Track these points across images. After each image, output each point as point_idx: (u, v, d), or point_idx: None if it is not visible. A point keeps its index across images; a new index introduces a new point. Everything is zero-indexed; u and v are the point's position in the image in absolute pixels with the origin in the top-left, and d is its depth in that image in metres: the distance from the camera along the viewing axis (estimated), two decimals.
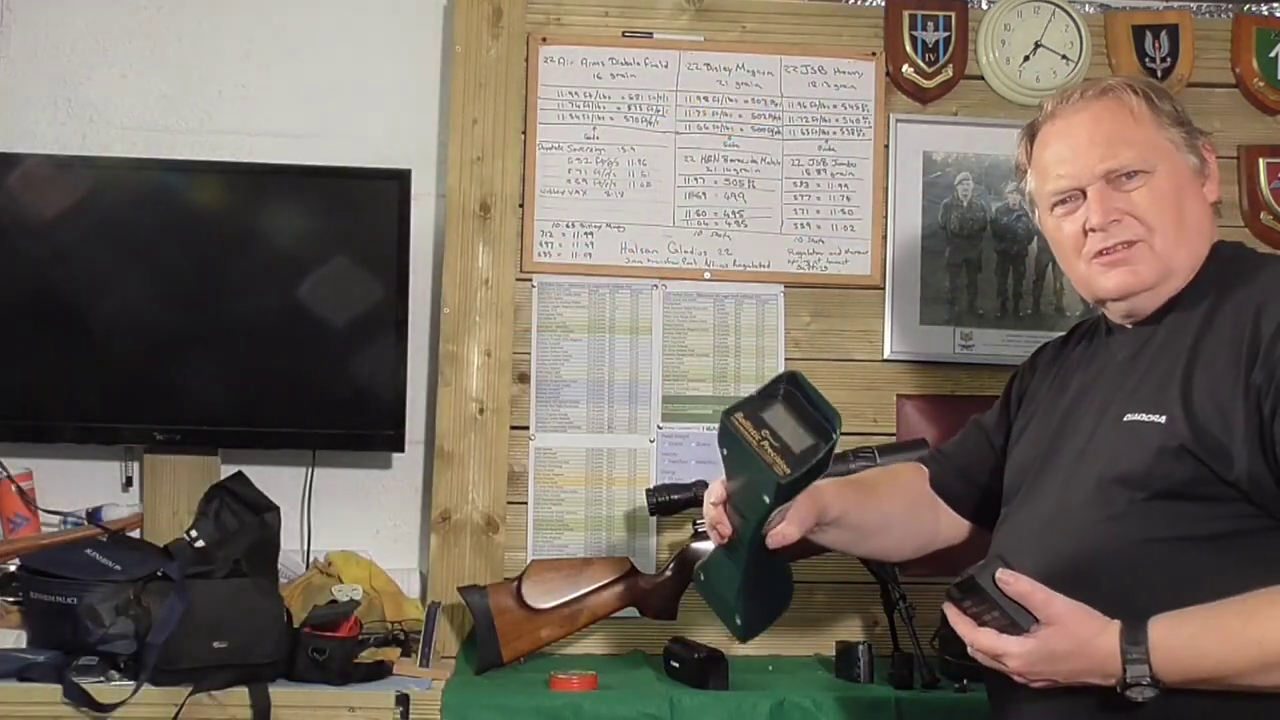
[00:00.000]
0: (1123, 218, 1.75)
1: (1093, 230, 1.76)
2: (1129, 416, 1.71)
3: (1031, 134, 1.87)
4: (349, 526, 2.81)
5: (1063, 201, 1.80)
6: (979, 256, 2.85)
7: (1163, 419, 1.66)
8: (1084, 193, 1.77)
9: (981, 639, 1.63)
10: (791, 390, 1.69)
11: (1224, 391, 1.63)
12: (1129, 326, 1.82)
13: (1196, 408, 1.64)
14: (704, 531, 2.51)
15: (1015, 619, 1.60)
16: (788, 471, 1.62)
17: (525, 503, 2.74)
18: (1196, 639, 1.55)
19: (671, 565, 2.54)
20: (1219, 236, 1.82)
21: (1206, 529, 1.63)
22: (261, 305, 2.69)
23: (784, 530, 1.70)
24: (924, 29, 2.85)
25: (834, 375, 2.80)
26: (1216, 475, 1.62)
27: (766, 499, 1.66)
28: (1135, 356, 1.78)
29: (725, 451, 1.71)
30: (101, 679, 2.24)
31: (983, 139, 2.85)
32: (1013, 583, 1.59)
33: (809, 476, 1.66)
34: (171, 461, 2.69)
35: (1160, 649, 1.55)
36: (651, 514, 2.55)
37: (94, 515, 2.71)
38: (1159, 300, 1.77)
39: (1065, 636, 1.58)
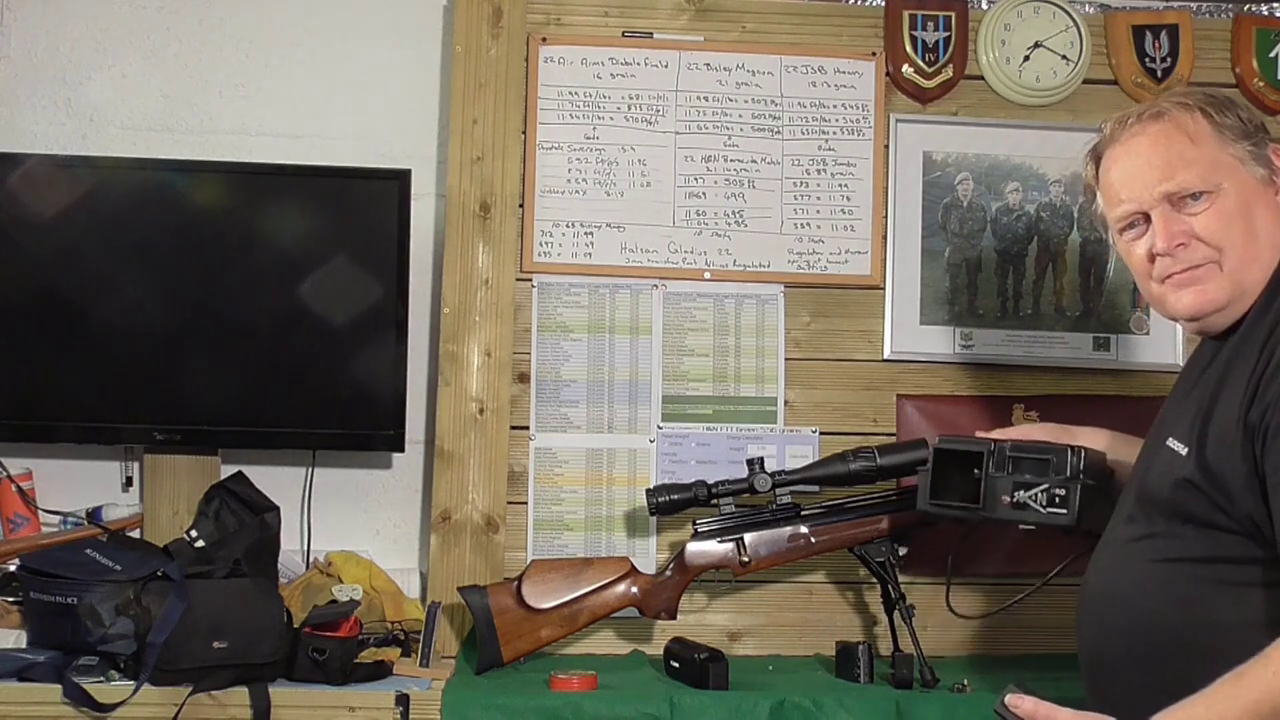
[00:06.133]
0: (1189, 241, 1.74)
1: (1159, 255, 1.76)
2: (1170, 440, 1.73)
3: (1096, 157, 1.87)
4: (349, 526, 2.82)
5: (1130, 225, 1.80)
6: (979, 256, 2.84)
7: (1184, 450, 1.68)
8: (1148, 216, 1.77)
9: None
10: None
11: (1230, 427, 1.63)
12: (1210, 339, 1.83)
13: (1210, 444, 1.65)
14: (704, 531, 2.53)
15: None
16: None
17: (525, 503, 2.74)
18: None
19: (671, 565, 2.54)
20: None
21: (1211, 552, 1.64)
22: (261, 305, 2.69)
23: None
24: (924, 29, 2.85)
25: (834, 375, 2.80)
26: (1223, 510, 1.64)
27: None
28: (1201, 373, 1.78)
29: None
30: (101, 679, 2.25)
31: (983, 139, 2.85)
32: (1020, 704, 1.63)
33: None
34: (171, 461, 2.69)
35: None
36: (651, 514, 2.55)
37: (94, 515, 2.71)
38: (1231, 318, 1.76)
39: None
